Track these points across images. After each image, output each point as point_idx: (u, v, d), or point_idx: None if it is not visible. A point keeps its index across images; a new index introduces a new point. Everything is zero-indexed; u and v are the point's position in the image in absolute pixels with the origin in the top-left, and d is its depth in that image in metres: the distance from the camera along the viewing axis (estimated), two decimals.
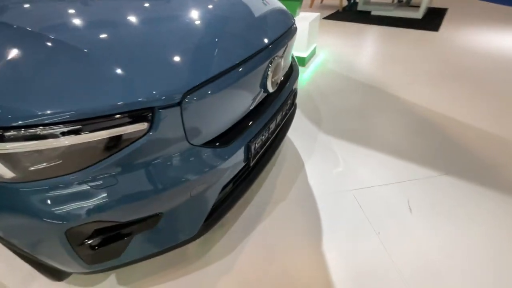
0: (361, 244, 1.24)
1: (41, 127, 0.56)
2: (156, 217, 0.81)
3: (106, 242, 0.77)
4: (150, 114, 0.66)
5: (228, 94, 0.81)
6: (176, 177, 0.77)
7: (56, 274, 0.89)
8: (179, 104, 0.68)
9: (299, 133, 1.97)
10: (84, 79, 0.61)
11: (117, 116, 0.62)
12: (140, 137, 0.67)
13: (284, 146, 1.84)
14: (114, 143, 0.65)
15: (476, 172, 1.61)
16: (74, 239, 0.70)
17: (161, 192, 0.75)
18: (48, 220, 0.65)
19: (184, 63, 0.72)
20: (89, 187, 0.67)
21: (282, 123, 1.30)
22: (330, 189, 1.52)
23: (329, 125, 2.04)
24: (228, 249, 1.23)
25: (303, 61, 2.93)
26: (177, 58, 0.72)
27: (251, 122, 0.98)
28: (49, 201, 0.65)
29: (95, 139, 0.62)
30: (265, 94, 1.06)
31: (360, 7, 5.37)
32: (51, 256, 0.76)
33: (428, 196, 1.47)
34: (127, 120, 0.64)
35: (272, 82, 1.01)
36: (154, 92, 0.64)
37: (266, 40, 0.96)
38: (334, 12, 5.39)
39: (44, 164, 0.61)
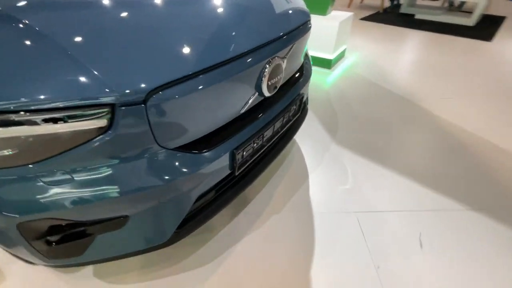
0: (355, 276, 1.10)
1: None
2: (121, 219, 0.75)
3: (64, 239, 0.73)
4: (110, 112, 0.59)
5: (208, 96, 0.72)
6: (142, 181, 0.71)
7: (27, 261, 0.88)
8: (143, 103, 0.61)
9: (310, 140, 1.83)
10: (38, 66, 0.56)
11: (73, 110, 0.56)
12: (99, 135, 0.61)
13: (290, 153, 1.72)
14: (68, 138, 0.59)
15: (510, 212, 1.37)
16: (27, 234, 0.67)
17: (124, 194, 0.69)
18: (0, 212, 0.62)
19: (153, 58, 0.64)
20: (42, 183, 0.63)
21: (284, 131, 1.19)
22: (332, 207, 1.38)
23: (345, 135, 1.87)
24: (211, 256, 1.16)
25: (328, 63, 2.75)
26: (145, 52, 0.64)
27: (238, 128, 0.88)
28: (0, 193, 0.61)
29: (46, 132, 0.57)
30: (261, 97, 0.95)
31: (404, 9, 4.95)
32: (11, 247, 0.74)
33: (445, 232, 1.27)
34: (84, 115, 0.58)
35: (268, 86, 0.90)
36: (114, 88, 0.58)
37: (264, 38, 0.84)
38: (374, 13, 5.03)
39: None
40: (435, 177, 1.56)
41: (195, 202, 0.88)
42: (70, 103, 0.56)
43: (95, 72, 0.57)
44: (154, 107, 0.63)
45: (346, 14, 2.76)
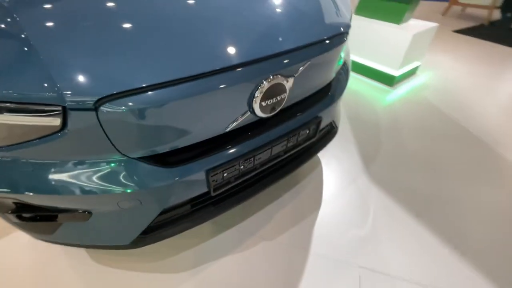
0: None
1: None
2: (85, 213, 0.76)
3: (35, 219, 0.77)
4: (62, 113, 0.57)
5: (177, 110, 0.65)
6: (99, 185, 0.69)
7: None
8: (94, 109, 0.57)
9: (337, 165, 1.61)
10: (3, 58, 0.57)
11: (29, 105, 0.56)
12: (52, 133, 0.60)
13: (308, 175, 1.54)
14: (25, 131, 0.60)
15: None
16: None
17: (83, 193, 0.68)
18: None
19: (113, 65, 0.59)
20: (7, 166, 0.66)
21: (289, 156, 1.04)
22: (334, 252, 1.18)
23: (382, 170, 1.59)
24: (189, 264, 1.12)
25: (390, 80, 2.37)
26: (106, 58, 0.59)
27: (219, 147, 0.79)
28: None
29: (5, 122, 0.58)
30: (256, 118, 0.83)
31: None
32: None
33: None
34: (37, 111, 0.57)
35: (263, 106, 0.77)
36: (66, 90, 0.55)
37: (257, 52, 0.71)
38: (477, 26, 4.15)
39: None
40: (481, 251, 1.19)
41: (163, 213, 0.83)
42: (26, 99, 0.56)
43: (51, 73, 0.55)
44: (108, 114, 0.58)
45: (427, 25, 2.31)
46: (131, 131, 0.64)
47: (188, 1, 0.78)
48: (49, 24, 0.62)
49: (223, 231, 1.25)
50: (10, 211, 0.74)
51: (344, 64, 1.22)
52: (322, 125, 1.10)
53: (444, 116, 2.07)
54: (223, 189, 0.87)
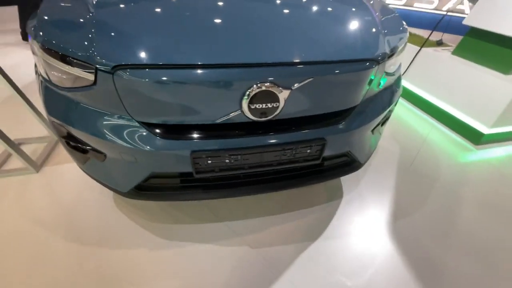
0: None
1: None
2: (102, 154, 0.98)
3: (75, 148, 1.04)
4: (94, 71, 0.78)
5: (174, 90, 0.76)
6: (109, 133, 0.88)
7: None
8: (111, 73, 0.75)
9: (357, 207, 1.45)
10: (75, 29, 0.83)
11: (74, 59, 0.80)
12: (88, 86, 0.82)
13: (323, 203, 1.44)
14: (76, 80, 0.84)
15: None
16: (57, 130, 1.01)
17: (98, 136, 0.89)
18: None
19: (134, 43, 0.75)
20: (64, 101, 0.92)
21: (284, 170, 1.04)
22: None
23: (410, 232, 1.34)
24: (172, 237, 1.23)
25: (476, 138, 1.95)
26: (133, 37, 0.76)
27: (208, 135, 0.88)
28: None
29: (69, 71, 0.83)
30: (249, 119, 0.88)
31: None
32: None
33: None
34: (78, 65, 0.80)
35: (252, 109, 0.82)
36: (91, 53, 0.76)
37: (251, 57, 0.77)
38: None
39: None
40: None
41: (154, 177, 0.98)
42: (76, 56, 0.79)
43: (98, 36, 0.78)
44: (121, 80, 0.76)
45: None
46: (136, 98, 0.80)
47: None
48: (107, 8, 0.86)
49: (215, 221, 1.32)
50: (62, 137, 1.02)
51: (381, 97, 1.12)
52: (331, 151, 1.04)
53: None
54: (206, 175, 0.96)
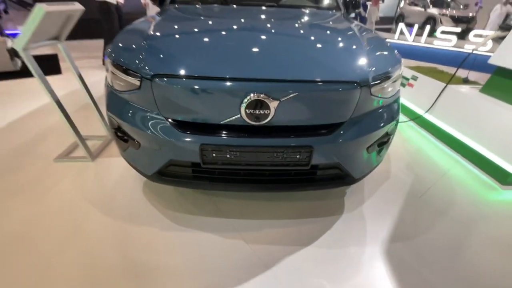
0: None
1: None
2: (136, 142, 1.28)
3: (120, 138, 1.37)
4: (140, 79, 1.11)
5: (195, 96, 1.05)
6: (141, 125, 1.17)
7: None
8: (150, 81, 1.07)
9: (355, 226, 1.49)
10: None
11: (129, 70, 1.14)
12: (135, 89, 1.15)
13: (322, 217, 1.53)
14: (128, 85, 1.17)
15: None
16: (111, 123, 1.36)
17: (135, 126, 1.20)
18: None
19: (170, 59, 1.07)
20: (118, 100, 1.27)
21: (275, 170, 1.21)
22: None
23: (407, 256, 1.34)
24: (179, 221, 1.44)
25: (504, 177, 1.84)
26: (171, 54, 1.10)
27: (216, 133, 1.13)
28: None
29: (124, 78, 1.18)
30: (247, 123, 1.10)
31: None
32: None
33: None
34: (131, 75, 1.14)
35: (247, 114, 1.05)
36: (140, 66, 1.09)
37: (255, 73, 1.01)
38: None
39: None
40: None
41: (170, 165, 1.24)
42: (129, 67, 1.13)
43: (146, 55, 1.12)
44: (156, 85, 1.07)
45: None
46: (165, 99, 1.10)
47: (223, 32, 1.27)
48: (153, 40, 1.22)
49: (219, 216, 1.50)
50: (114, 128, 1.37)
51: (374, 118, 1.26)
52: (320, 160, 1.19)
53: None
54: (211, 166, 1.18)
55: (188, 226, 1.44)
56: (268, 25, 1.57)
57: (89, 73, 4.07)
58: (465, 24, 10.01)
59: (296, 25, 1.62)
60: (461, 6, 11.05)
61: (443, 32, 8.49)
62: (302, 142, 1.14)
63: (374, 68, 1.17)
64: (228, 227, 1.45)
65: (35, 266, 1.19)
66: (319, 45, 1.28)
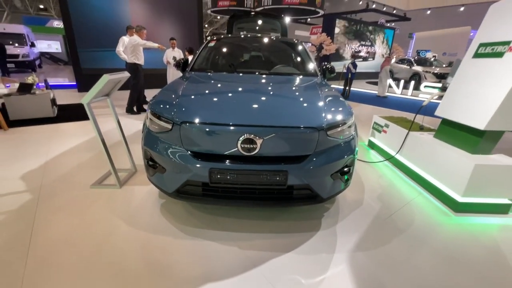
0: None
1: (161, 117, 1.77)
2: (164, 169, 1.78)
3: (151, 165, 1.87)
4: (172, 124, 1.66)
5: (208, 135, 1.60)
6: (169, 154, 1.69)
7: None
8: (179, 125, 1.62)
9: (325, 241, 1.87)
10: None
11: (161, 117, 1.71)
12: (167, 131, 1.70)
13: (305, 234, 1.92)
14: (162, 128, 1.73)
15: None
16: (145, 155, 1.88)
17: (162, 155, 1.72)
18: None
19: (190, 112, 1.65)
20: (152, 136, 1.81)
21: (263, 189, 1.68)
22: None
23: (368, 265, 1.69)
24: (189, 232, 1.85)
25: (455, 205, 2.24)
26: (189, 109, 1.68)
27: (220, 160, 1.62)
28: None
29: (159, 123, 1.74)
30: (244, 153, 1.61)
31: None
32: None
33: None
34: (165, 121, 1.70)
35: (242, 147, 1.56)
36: (174, 118, 1.65)
37: (247, 121, 1.56)
38: None
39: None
40: None
41: (187, 184, 1.72)
42: (161, 115, 1.71)
43: (177, 109, 1.69)
44: (182, 128, 1.61)
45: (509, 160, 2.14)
46: (188, 137, 1.64)
47: (227, 92, 1.91)
48: (183, 98, 1.83)
49: (220, 230, 1.90)
50: (146, 158, 1.88)
51: (333, 153, 1.75)
52: (294, 181, 1.66)
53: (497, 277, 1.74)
54: (216, 184, 1.66)
55: (195, 236, 1.84)
56: (259, 88, 2.22)
57: (112, 119, 4.79)
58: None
59: (279, 87, 2.26)
60: (444, 65, 12.37)
61: (426, 87, 9.49)
62: (280, 168, 1.63)
63: (328, 118, 1.72)
64: (226, 237, 1.84)
65: (76, 265, 1.59)
66: (291, 102, 1.88)
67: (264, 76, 2.60)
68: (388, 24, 19.49)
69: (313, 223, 2.03)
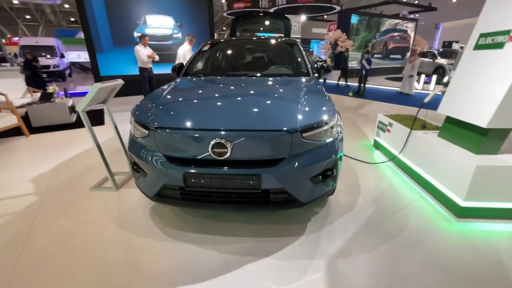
0: None
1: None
2: (145, 173, 1.83)
3: (135, 169, 1.94)
4: (149, 130, 1.71)
5: (180, 139, 1.62)
6: (145, 157, 1.74)
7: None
8: (155, 130, 1.66)
9: (305, 247, 1.81)
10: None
11: (139, 123, 1.76)
12: (145, 136, 1.75)
13: (288, 239, 1.88)
14: (139, 133, 1.79)
15: None
16: (130, 160, 1.96)
17: (142, 160, 1.77)
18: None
19: (168, 116, 1.68)
20: (137, 144, 1.88)
21: (237, 193, 1.67)
22: None
23: (350, 273, 1.62)
24: (172, 236, 1.89)
25: (457, 209, 2.07)
26: (164, 115, 1.71)
27: (194, 165, 1.64)
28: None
29: (138, 130, 1.80)
30: (215, 157, 1.61)
31: None
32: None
33: None
34: (143, 127, 1.75)
35: (213, 151, 1.56)
36: (148, 122, 1.70)
37: (221, 125, 1.58)
38: None
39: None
40: None
41: (166, 188, 1.76)
42: (139, 121, 1.76)
43: (153, 116, 1.74)
44: (157, 134, 1.65)
45: None
46: (163, 142, 1.67)
47: (205, 98, 1.91)
48: (159, 106, 1.88)
49: (202, 233, 1.92)
50: (131, 163, 1.95)
51: (311, 156, 1.69)
52: (268, 185, 1.63)
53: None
54: (191, 188, 1.68)
55: (177, 238, 1.88)
56: (240, 91, 2.19)
57: (124, 123, 5.03)
58: None
59: (261, 90, 2.21)
60: None
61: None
62: (253, 172, 1.61)
63: (304, 120, 1.66)
64: (206, 240, 1.86)
65: (64, 265, 1.69)
66: (267, 105, 1.84)
67: (253, 78, 2.58)
68: (412, 16, 18.44)
69: (298, 228, 1.98)
